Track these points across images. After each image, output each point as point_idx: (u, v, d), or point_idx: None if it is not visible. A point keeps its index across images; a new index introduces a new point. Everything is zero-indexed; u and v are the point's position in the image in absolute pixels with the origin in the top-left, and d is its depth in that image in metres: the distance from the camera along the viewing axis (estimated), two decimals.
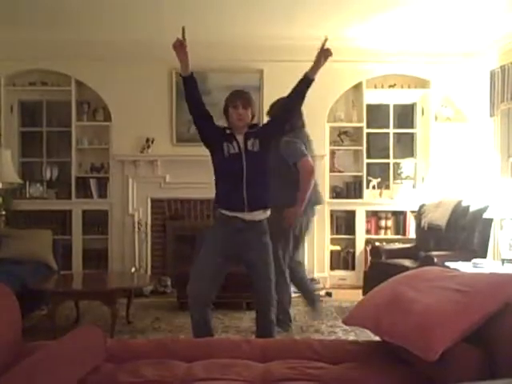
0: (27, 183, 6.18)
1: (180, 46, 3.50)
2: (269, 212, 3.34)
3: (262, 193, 3.30)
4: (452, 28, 5.46)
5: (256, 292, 3.33)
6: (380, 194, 6.39)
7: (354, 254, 6.33)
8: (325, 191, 6.24)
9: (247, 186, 3.21)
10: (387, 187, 6.44)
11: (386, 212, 6.35)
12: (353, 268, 6.31)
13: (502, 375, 1.69)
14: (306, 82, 3.42)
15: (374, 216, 6.36)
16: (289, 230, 4.21)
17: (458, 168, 6.05)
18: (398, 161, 6.52)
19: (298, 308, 5.10)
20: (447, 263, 4.15)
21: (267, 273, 3.28)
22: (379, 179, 6.42)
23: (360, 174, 6.34)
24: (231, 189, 3.26)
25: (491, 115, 5.60)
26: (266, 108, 5.95)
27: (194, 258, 3.32)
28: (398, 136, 6.55)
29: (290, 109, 3.50)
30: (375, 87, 6.32)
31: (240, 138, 3.29)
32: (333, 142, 6.38)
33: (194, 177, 5.72)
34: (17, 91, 6.24)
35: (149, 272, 5.97)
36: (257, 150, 3.27)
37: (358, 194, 6.32)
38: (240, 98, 3.39)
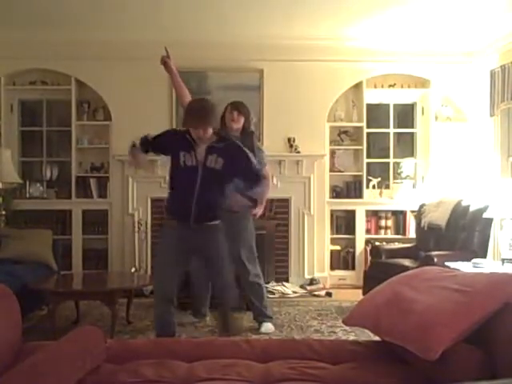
0: (27, 183, 6.18)
1: (165, 64, 3.54)
2: (217, 221, 3.39)
3: (211, 208, 3.32)
4: (452, 28, 5.46)
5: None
6: (380, 194, 6.39)
7: (353, 253, 6.33)
8: (325, 191, 6.25)
9: (197, 200, 3.23)
10: (387, 187, 6.44)
11: (386, 212, 6.35)
12: (353, 268, 6.30)
13: (502, 375, 1.69)
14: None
15: (374, 216, 6.36)
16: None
17: (457, 168, 6.05)
18: (397, 160, 6.52)
19: (298, 308, 5.11)
20: (447, 263, 4.14)
21: (223, 266, 3.39)
22: (379, 179, 6.42)
23: (360, 173, 6.33)
24: (180, 200, 3.30)
25: (491, 115, 5.60)
26: (266, 108, 6.02)
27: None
28: (398, 136, 6.55)
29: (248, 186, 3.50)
30: (375, 87, 6.31)
31: (201, 150, 3.24)
32: (333, 142, 6.37)
33: None
34: (17, 90, 6.23)
35: (149, 272, 5.96)
36: (218, 169, 3.23)
37: (358, 194, 6.32)
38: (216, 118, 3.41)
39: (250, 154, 3.37)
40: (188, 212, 3.25)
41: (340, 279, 6.28)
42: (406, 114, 6.57)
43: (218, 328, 3.64)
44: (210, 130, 3.24)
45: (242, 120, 4.21)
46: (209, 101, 3.40)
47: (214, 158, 3.23)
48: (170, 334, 3.34)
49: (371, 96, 6.32)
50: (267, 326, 4.30)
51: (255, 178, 3.36)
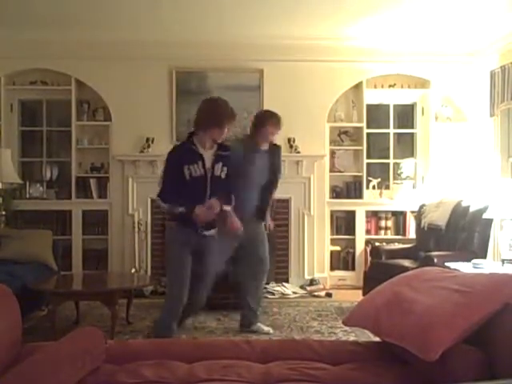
0: (27, 183, 6.18)
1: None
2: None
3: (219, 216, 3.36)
4: (452, 28, 5.46)
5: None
6: (380, 194, 6.38)
7: (353, 254, 6.32)
8: (325, 191, 6.25)
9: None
10: (387, 187, 6.43)
11: (386, 212, 6.35)
12: (353, 268, 6.30)
13: (502, 375, 1.69)
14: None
15: (374, 216, 6.36)
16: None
17: (457, 168, 6.05)
18: (397, 161, 6.52)
19: (297, 309, 5.11)
20: (447, 263, 4.14)
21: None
22: (379, 179, 6.42)
23: (360, 174, 6.33)
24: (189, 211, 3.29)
25: (491, 115, 5.60)
26: (265, 108, 5.99)
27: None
28: (398, 136, 6.54)
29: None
30: (375, 87, 6.31)
31: (208, 156, 3.24)
32: (333, 142, 6.37)
33: None
34: (17, 90, 6.23)
35: (149, 272, 5.96)
36: (223, 177, 3.26)
37: (358, 194, 6.32)
38: (234, 117, 3.43)
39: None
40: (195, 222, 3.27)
41: (340, 280, 6.28)
42: (405, 115, 6.57)
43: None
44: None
45: None
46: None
47: (220, 167, 3.24)
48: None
49: (371, 96, 6.31)
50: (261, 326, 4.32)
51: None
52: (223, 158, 3.25)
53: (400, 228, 6.32)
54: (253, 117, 4.39)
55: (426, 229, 5.28)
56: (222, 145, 3.32)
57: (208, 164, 3.22)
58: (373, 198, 6.36)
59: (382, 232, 6.35)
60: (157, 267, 6.07)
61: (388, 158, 6.48)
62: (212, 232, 3.46)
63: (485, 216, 4.57)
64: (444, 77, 6.19)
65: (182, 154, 3.28)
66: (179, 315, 3.53)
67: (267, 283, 5.47)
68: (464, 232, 4.82)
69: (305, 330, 4.41)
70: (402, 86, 6.33)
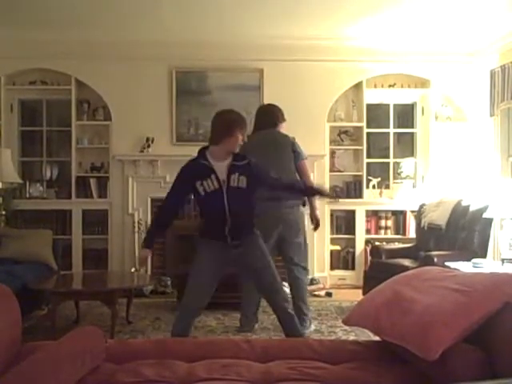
0: (27, 183, 6.18)
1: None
2: (253, 234, 3.36)
3: (246, 224, 3.29)
4: (452, 28, 5.46)
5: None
6: (380, 194, 6.38)
7: (353, 253, 6.33)
8: None
9: (231, 221, 3.18)
10: (387, 187, 6.44)
11: (386, 212, 6.35)
12: (353, 268, 6.30)
13: (502, 375, 1.69)
14: (302, 192, 3.65)
15: (374, 216, 6.36)
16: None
17: (457, 168, 6.05)
18: (397, 160, 6.52)
19: None
20: (447, 263, 4.14)
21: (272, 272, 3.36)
22: (379, 179, 6.42)
23: (360, 173, 6.33)
24: (213, 226, 3.25)
25: (491, 115, 5.60)
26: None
27: (193, 260, 3.32)
28: (398, 136, 6.55)
29: (274, 188, 3.56)
30: (375, 87, 6.31)
31: (221, 168, 3.17)
32: (333, 142, 6.37)
33: None
34: (17, 90, 6.23)
35: (149, 272, 5.96)
36: (243, 187, 3.19)
37: (358, 194, 6.32)
38: (246, 124, 3.31)
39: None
40: (223, 235, 3.21)
41: (340, 279, 6.28)
42: (406, 114, 6.57)
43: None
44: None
45: None
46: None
47: (236, 177, 3.17)
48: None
49: (371, 96, 6.32)
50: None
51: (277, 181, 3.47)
52: (239, 168, 3.20)
53: (400, 227, 6.32)
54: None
55: (425, 228, 5.28)
56: (237, 155, 3.28)
57: (222, 176, 3.17)
58: (373, 198, 6.36)
59: (382, 231, 6.35)
60: (157, 267, 6.08)
61: (388, 157, 6.48)
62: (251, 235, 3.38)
63: (485, 215, 4.57)
64: (444, 76, 6.19)
65: (195, 169, 3.20)
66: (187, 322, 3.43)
67: None
68: (464, 231, 4.82)
69: None
70: (402, 86, 6.33)
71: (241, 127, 3.21)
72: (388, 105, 6.46)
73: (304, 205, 4.30)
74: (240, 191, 3.18)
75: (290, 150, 4.18)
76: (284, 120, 4.37)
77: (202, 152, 3.27)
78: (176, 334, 3.20)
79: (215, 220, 3.22)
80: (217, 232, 3.23)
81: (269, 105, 4.53)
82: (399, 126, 6.51)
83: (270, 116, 4.31)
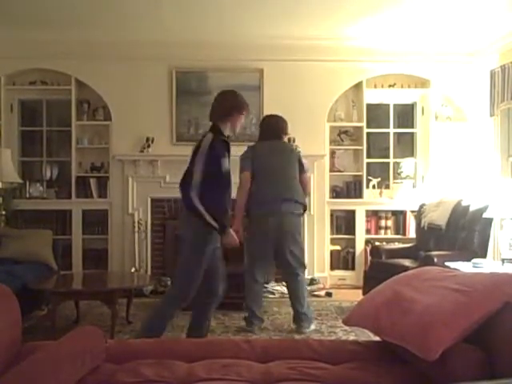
0: (27, 183, 6.18)
1: None
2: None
3: None
4: (452, 28, 5.46)
5: None
6: (380, 194, 6.38)
7: (353, 253, 6.33)
8: (325, 191, 6.25)
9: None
10: (387, 187, 6.44)
11: (386, 212, 6.35)
12: (353, 268, 6.30)
13: (502, 375, 1.69)
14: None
15: (374, 216, 6.36)
16: None
17: (457, 168, 6.05)
18: (397, 160, 6.52)
19: None
20: (447, 263, 4.14)
21: None
22: (379, 179, 6.42)
23: (360, 173, 6.33)
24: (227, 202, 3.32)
25: (491, 115, 5.60)
26: (266, 108, 6.01)
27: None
28: (398, 135, 6.55)
29: None
30: (375, 87, 6.31)
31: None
32: (333, 142, 6.37)
33: None
34: (17, 90, 6.23)
35: (149, 272, 5.97)
36: None
37: (358, 194, 6.32)
38: (247, 105, 3.34)
39: None
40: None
41: (340, 279, 6.28)
42: (406, 114, 6.57)
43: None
44: None
45: None
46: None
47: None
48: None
49: (371, 96, 6.32)
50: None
51: None
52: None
53: (400, 227, 6.32)
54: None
55: (425, 228, 5.28)
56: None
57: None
58: (373, 198, 6.36)
59: (382, 231, 6.35)
60: (157, 267, 6.08)
61: (388, 157, 6.48)
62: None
63: (485, 215, 4.57)
64: (444, 76, 6.19)
65: (221, 144, 3.16)
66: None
67: (266, 282, 5.47)
68: (464, 231, 4.82)
69: None
70: (401, 86, 6.33)
71: (240, 108, 3.31)
72: (388, 105, 6.46)
73: (305, 210, 4.44)
74: None
75: (297, 160, 4.36)
76: (288, 133, 4.56)
77: (215, 127, 3.25)
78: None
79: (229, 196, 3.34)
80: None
81: (273, 116, 4.53)
82: (399, 126, 6.51)
83: (275, 129, 4.42)
